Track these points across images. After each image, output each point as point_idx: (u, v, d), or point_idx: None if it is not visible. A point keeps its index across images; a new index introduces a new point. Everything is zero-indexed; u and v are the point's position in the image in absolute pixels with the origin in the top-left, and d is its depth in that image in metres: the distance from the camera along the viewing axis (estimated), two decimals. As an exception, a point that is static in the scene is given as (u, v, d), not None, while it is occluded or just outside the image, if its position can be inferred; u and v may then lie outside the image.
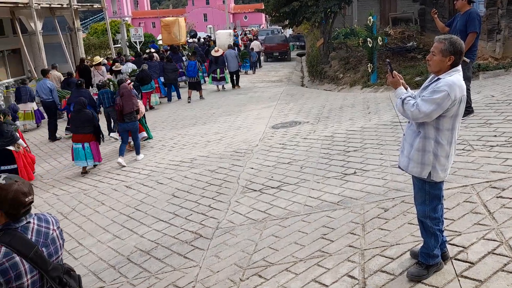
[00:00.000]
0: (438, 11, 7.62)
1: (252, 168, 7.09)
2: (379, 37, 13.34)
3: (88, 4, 21.84)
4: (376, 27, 14.43)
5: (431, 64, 3.19)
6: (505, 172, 4.77)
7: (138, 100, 9.65)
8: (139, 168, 8.41)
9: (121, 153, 9.14)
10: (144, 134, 10.10)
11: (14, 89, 12.88)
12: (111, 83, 12.51)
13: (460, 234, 3.81)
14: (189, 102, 15.25)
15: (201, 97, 15.67)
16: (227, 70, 17.13)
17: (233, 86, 17.41)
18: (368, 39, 13.45)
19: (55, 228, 2.52)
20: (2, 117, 8.47)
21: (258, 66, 25.09)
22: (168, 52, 19.06)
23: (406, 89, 3.32)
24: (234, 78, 17.51)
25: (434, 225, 3.30)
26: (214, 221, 5.42)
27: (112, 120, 11.47)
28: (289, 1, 17.15)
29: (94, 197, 7.30)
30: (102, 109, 11.79)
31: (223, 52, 17.12)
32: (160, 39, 41.07)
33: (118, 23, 38.27)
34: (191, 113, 13.14)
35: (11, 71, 17.29)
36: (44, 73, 12.85)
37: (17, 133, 8.60)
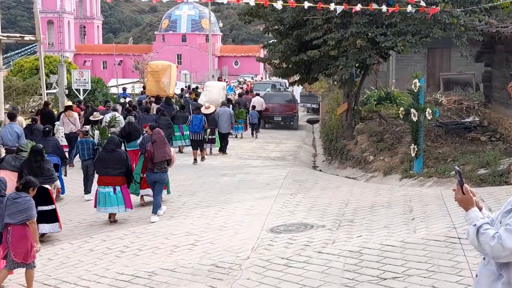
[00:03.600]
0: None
1: (241, 295, 6.99)
2: (428, 109, 13.60)
3: (18, 35, 22.43)
4: (424, 92, 14.79)
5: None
6: None
7: (172, 149, 11.80)
8: (71, 283, 8.21)
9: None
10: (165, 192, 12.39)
11: None
12: (94, 131, 14.76)
13: None
14: (195, 164, 17.56)
15: (202, 158, 18.19)
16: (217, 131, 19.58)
17: (220, 150, 20.08)
18: (413, 110, 13.73)
19: None
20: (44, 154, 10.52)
21: (258, 129, 26.47)
22: (161, 104, 21.34)
23: (480, 209, 3.34)
24: (223, 143, 20.12)
25: None
26: None
27: (88, 177, 13.31)
28: (303, 48, 17.54)
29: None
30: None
31: (215, 110, 19.35)
32: (112, 86, 42.26)
33: (55, 61, 39.17)
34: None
35: None
36: (12, 117, 14.87)
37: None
